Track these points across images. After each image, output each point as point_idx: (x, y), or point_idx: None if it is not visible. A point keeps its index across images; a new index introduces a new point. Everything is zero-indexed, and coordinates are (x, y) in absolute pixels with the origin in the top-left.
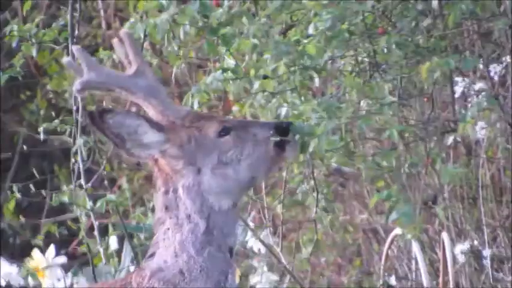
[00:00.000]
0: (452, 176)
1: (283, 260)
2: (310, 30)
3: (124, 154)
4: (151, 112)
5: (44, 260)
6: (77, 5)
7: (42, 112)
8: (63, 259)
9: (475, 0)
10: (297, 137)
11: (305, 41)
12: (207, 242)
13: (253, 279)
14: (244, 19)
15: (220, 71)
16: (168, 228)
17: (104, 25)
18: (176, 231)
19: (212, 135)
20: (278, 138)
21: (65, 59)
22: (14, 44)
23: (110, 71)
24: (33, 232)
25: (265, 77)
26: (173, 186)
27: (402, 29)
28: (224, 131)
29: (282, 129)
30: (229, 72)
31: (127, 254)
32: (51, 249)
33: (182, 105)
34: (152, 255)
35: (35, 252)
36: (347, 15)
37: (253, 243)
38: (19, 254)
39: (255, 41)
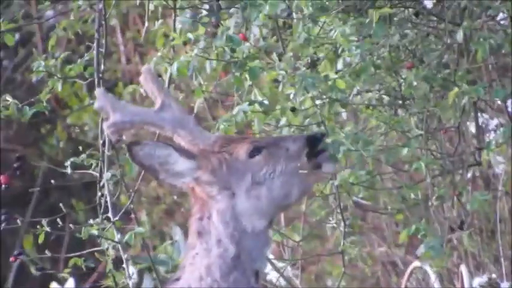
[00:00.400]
0: (480, 203)
1: None
2: (339, 65)
3: (159, 183)
4: (182, 143)
5: None
6: (103, 41)
7: (62, 146)
8: None
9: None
10: (331, 147)
11: (334, 75)
12: (233, 266)
13: None
14: (274, 56)
15: (247, 103)
16: (197, 253)
17: (123, 60)
18: (204, 257)
19: (243, 156)
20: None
21: (96, 104)
22: (34, 79)
23: (135, 109)
24: (52, 265)
25: (293, 109)
26: (208, 212)
27: (429, 64)
28: (255, 151)
29: (315, 140)
30: (255, 105)
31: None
32: (70, 282)
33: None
34: (177, 279)
35: (53, 285)
36: (374, 49)
37: (272, 276)
38: (39, 286)
39: (283, 72)
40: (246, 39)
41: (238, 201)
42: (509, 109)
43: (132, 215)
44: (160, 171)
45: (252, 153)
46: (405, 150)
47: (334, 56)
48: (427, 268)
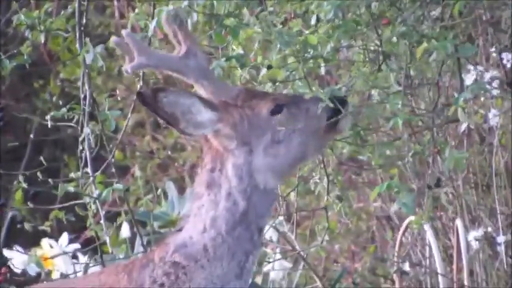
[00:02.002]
0: (457, 161)
1: (297, 247)
2: (313, 21)
3: (178, 132)
4: (203, 93)
5: (53, 248)
6: None
7: (54, 100)
8: (76, 246)
9: None
10: (351, 109)
11: (307, 31)
12: (240, 221)
13: (267, 267)
14: (245, 10)
15: (224, 58)
16: (203, 205)
17: (117, 14)
18: (211, 209)
19: (265, 114)
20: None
21: (114, 39)
22: (26, 33)
23: (161, 54)
24: (43, 220)
25: (269, 67)
26: (221, 165)
27: (406, 19)
28: (277, 109)
29: (337, 102)
30: (233, 60)
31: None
32: (64, 236)
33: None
34: (180, 229)
35: (44, 241)
36: (352, 4)
37: (267, 231)
38: (32, 242)
39: (258, 29)
40: None
41: (256, 157)
42: (505, 61)
43: (113, 169)
44: (182, 120)
45: (274, 111)
46: (385, 106)
47: (306, 13)
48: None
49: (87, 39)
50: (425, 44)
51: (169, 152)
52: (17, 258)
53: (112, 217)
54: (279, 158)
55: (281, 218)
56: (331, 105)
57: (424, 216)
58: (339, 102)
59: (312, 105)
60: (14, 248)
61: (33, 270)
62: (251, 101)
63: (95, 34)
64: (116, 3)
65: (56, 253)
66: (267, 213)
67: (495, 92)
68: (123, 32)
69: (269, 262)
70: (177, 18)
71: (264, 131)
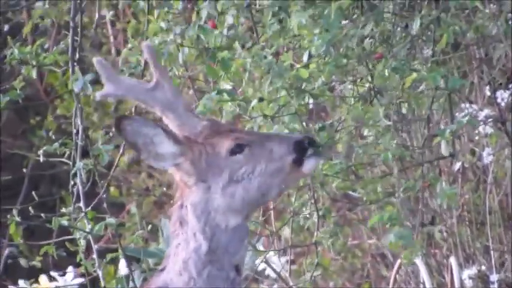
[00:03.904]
0: (449, 197)
1: (291, 283)
2: (305, 57)
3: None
4: (170, 125)
5: (55, 281)
6: (79, 30)
7: (51, 136)
8: (80, 280)
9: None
10: (318, 150)
11: (297, 65)
12: (208, 262)
13: None
14: (236, 44)
15: (215, 91)
16: (179, 244)
17: (113, 51)
18: (184, 248)
19: (224, 153)
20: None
21: (96, 59)
22: (9, 67)
23: (130, 82)
24: (41, 256)
25: (260, 100)
26: (185, 202)
27: (397, 54)
28: (237, 148)
29: (303, 145)
30: (224, 94)
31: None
32: (70, 270)
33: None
34: (163, 269)
35: (42, 278)
36: (343, 40)
37: (264, 266)
38: (28, 278)
39: (249, 60)
40: (215, 26)
41: (213, 196)
42: (499, 100)
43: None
44: (144, 150)
45: (234, 151)
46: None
47: (299, 47)
48: (417, 260)
49: (77, 68)
50: (414, 75)
51: (164, 189)
52: None
53: (105, 253)
54: (236, 198)
55: (272, 253)
56: (296, 149)
57: (414, 252)
58: (305, 146)
59: (276, 146)
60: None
61: None
62: (213, 138)
63: (92, 71)
64: (112, 40)
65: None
66: (239, 250)
67: (489, 130)
68: (94, 59)
69: None
70: (151, 50)
71: (222, 170)
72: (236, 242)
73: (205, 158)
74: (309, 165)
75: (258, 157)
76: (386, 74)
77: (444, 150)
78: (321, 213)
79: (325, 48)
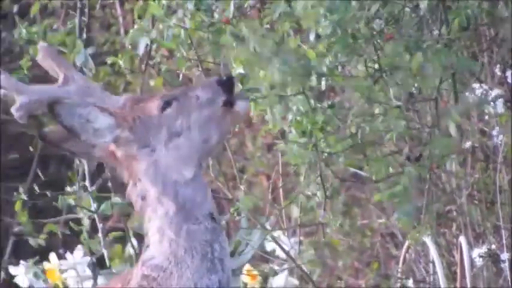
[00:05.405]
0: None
1: (298, 262)
2: (311, 38)
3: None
4: None
5: (66, 260)
6: (86, 10)
7: None
8: (88, 259)
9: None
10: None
11: (305, 47)
12: (182, 220)
13: (274, 283)
14: (243, 27)
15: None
16: (150, 217)
17: (122, 31)
18: (154, 218)
19: (155, 112)
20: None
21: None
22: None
23: (38, 87)
24: (49, 235)
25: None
26: (136, 177)
27: (406, 34)
28: (166, 105)
29: (226, 84)
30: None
31: None
32: (79, 249)
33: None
34: (148, 246)
35: (52, 256)
36: (350, 21)
37: (273, 247)
38: (41, 258)
39: (255, 46)
40: (229, 22)
41: (160, 155)
42: (509, 80)
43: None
44: (82, 131)
45: (163, 107)
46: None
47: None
48: (426, 239)
49: (79, 41)
50: (420, 57)
51: None
52: (22, 275)
53: (113, 232)
54: (182, 149)
55: (281, 233)
56: (221, 90)
57: (422, 231)
58: (228, 84)
59: (200, 92)
60: (20, 263)
61: (39, 285)
62: (139, 104)
63: (101, 51)
64: (120, 20)
65: (67, 267)
66: (206, 198)
67: (499, 110)
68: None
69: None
70: (48, 49)
71: (159, 128)
72: (200, 191)
73: (140, 122)
74: (241, 104)
75: (188, 107)
76: (396, 53)
77: (452, 130)
78: (328, 193)
79: (332, 28)
